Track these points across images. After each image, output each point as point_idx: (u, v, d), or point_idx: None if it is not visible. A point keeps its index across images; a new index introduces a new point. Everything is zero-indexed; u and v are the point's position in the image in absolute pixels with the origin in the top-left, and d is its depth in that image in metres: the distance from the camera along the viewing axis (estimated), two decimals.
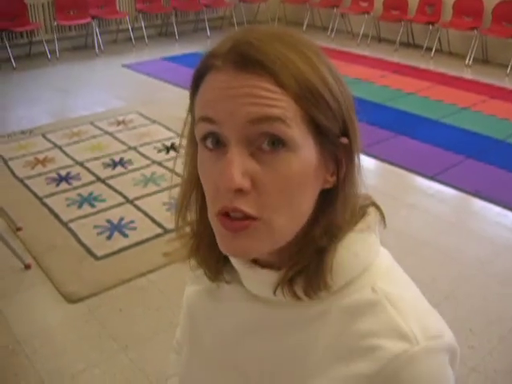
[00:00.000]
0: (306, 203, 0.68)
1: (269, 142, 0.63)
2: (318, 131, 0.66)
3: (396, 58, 7.88)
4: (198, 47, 7.33)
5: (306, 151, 0.65)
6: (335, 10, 8.98)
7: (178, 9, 8.80)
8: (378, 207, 0.76)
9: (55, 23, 7.70)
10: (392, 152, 4.80)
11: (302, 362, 0.70)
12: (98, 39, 8.01)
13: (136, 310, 2.88)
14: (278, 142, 0.63)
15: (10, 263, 3.18)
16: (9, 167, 4.49)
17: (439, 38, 7.94)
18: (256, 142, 0.64)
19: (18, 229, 3.55)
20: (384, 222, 0.76)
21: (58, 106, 6.21)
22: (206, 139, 0.66)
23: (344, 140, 0.69)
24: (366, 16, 8.55)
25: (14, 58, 7.31)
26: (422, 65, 7.49)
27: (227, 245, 0.67)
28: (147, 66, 7.34)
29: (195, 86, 0.69)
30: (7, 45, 7.26)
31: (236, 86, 0.63)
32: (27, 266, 3.17)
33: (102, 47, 8.07)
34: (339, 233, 0.70)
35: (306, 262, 0.69)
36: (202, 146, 0.68)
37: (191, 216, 0.78)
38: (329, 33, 9.06)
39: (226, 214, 0.65)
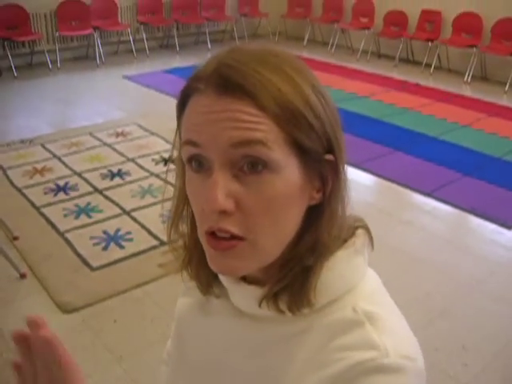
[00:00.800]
0: (292, 222, 0.69)
1: (251, 165, 0.65)
2: (302, 151, 0.67)
3: (395, 73, 7.93)
4: (199, 60, 7.13)
5: (289, 171, 0.66)
6: (336, 25, 9.05)
7: (179, 21, 8.86)
8: (367, 230, 0.77)
9: (57, 33, 7.74)
10: (388, 168, 4.82)
11: (282, 376, 0.71)
12: (99, 50, 8.06)
13: (131, 321, 2.88)
14: (260, 165, 0.65)
15: (5, 272, 3.19)
16: (7, 176, 4.51)
17: (438, 55, 8.00)
18: (239, 164, 0.65)
19: (15, 238, 3.55)
20: (372, 245, 0.77)
21: (58, 116, 6.24)
22: (192, 161, 0.68)
23: (329, 157, 0.70)
24: (367, 32, 8.61)
25: (15, 68, 7.35)
26: (422, 81, 7.53)
27: (215, 264, 0.69)
28: (148, 77, 7.38)
29: (181, 108, 0.71)
30: (9, 54, 7.30)
31: (218, 110, 0.65)
32: (23, 275, 3.18)
33: (103, 58, 8.12)
34: (325, 251, 0.71)
35: (291, 279, 0.70)
36: (188, 167, 0.70)
37: (183, 228, 0.79)
38: (329, 48, 9.12)
39: (212, 234, 0.67)
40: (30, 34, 7.50)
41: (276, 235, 0.68)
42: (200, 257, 0.76)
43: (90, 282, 3.17)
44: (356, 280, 0.73)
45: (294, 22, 9.80)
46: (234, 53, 0.68)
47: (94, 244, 3.56)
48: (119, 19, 8.34)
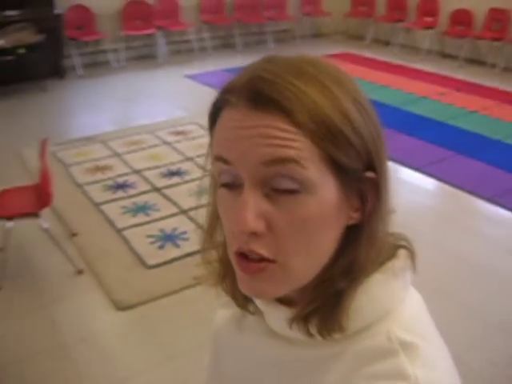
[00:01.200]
0: (326, 244, 0.66)
1: (283, 184, 0.62)
2: (339, 169, 0.63)
3: (460, 74, 7.72)
4: None
5: (324, 191, 0.63)
6: (399, 24, 8.89)
7: (241, 20, 8.89)
8: (410, 250, 0.72)
9: (121, 33, 7.89)
10: (450, 172, 4.69)
11: None
12: (161, 49, 8.17)
13: (183, 321, 2.90)
14: (293, 184, 0.61)
15: (63, 268, 3.27)
16: (69, 173, 4.61)
17: (506, 55, 7.75)
18: (270, 183, 0.62)
19: (74, 234, 3.63)
20: (414, 267, 0.72)
21: (119, 114, 6.35)
22: (222, 178, 0.66)
23: (369, 174, 0.66)
24: (431, 31, 8.42)
25: (80, 66, 7.52)
26: (488, 82, 7.30)
27: (245, 286, 0.67)
28: (209, 76, 7.42)
29: (212, 120, 0.68)
30: (74, 53, 7.49)
31: (249, 125, 0.62)
32: (80, 272, 3.25)
33: (165, 57, 8.22)
34: (361, 274, 0.67)
35: (323, 302, 0.67)
36: (219, 184, 0.67)
37: (218, 240, 0.77)
38: (392, 47, 8.97)
39: (242, 255, 0.65)
40: (95, 33, 7.68)
41: (309, 258, 0.65)
42: (235, 273, 0.73)
43: (144, 280, 3.21)
44: (392, 306, 0.68)
45: (357, 20, 9.68)
46: (268, 63, 0.65)
47: (151, 242, 3.61)
48: (182, 19, 8.43)
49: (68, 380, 2.52)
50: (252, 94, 0.62)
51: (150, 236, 3.68)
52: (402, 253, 0.71)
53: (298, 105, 0.61)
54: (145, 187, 4.39)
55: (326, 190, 0.63)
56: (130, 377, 2.52)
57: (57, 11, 7.22)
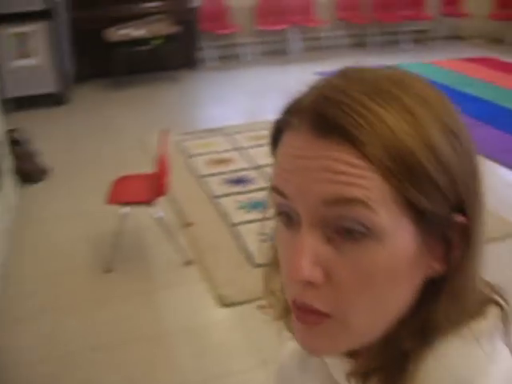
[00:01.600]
0: (396, 300, 0.54)
1: (347, 228, 0.51)
2: (418, 213, 0.51)
3: None
4: (396, 60, 7.12)
5: (397, 239, 0.51)
6: None
7: (377, 19, 8.65)
8: (503, 307, 0.57)
9: (254, 27, 7.93)
10: None
11: None
12: (294, 45, 8.13)
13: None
14: (359, 229, 0.50)
15: (172, 257, 3.29)
16: (190, 164, 4.67)
17: None
18: (332, 225, 0.51)
19: (189, 224, 3.65)
20: (508, 330, 0.57)
21: (247, 108, 6.38)
22: (279, 210, 0.56)
23: (459, 218, 0.53)
24: None
25: (211, 59, 7.66)
26: None
27: (300, 338, 0.57)
28: None
29: (274, 141, 0.57)
30: (207, 46, 7.63)
31: (310, 156, 0.51)
32: (188, 263, 3.25)
33: (297, 53, 8.18)
34: (434, 336, 0.54)
35: (386, 362, 0.55)
36: (277, 216, 0.57)
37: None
38: None
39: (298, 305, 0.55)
40: (228, 27, 7.78)
41: (373, 315, 0.54)
42: None
43: (251, 279, 3.15)
44: (470, 378, 0.53)
45: (500, 23, 9.12)
46: (339, 79, 0.54)
47: (262, 240, 3.55)
48: (316, 15, 8.34)
49: (158, 369, 2.52)
50: (316, 118, 0.51)
51: (262, 234, 3.61)
52: (491, 311, 0.57)
53: (369, 134, 0.49)
54: (263, 184, 4.35)
55: (399, 237, 0.51)
56: (222, 375, 2.48)
57: (193, 4, 7.40)
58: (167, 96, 6.63)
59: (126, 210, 3.17)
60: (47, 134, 5.30)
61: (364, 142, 0.49)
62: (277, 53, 8.31)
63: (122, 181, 3.38)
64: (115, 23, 6.77)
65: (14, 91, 5.96)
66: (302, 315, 0.54)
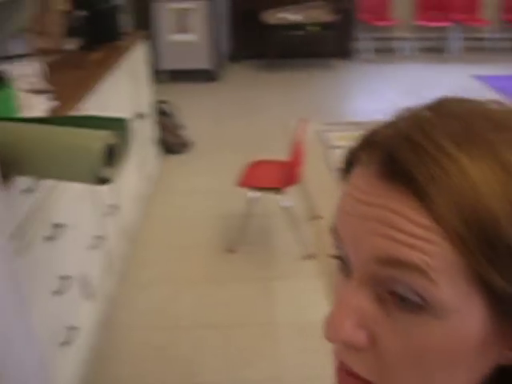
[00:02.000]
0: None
1: (401, 295, 0.42)
2: (492, 293, 0.41)
3: None
4: None
5: (461, 319, 0.41)
6: None
7: None
8: None
9: (414, 22, 7.67)
10: None
11: None
12: (454, 44, 7.77)
13: None
14: (414, 300, 0.41)
15: (295, 248, 3.26)
16: (327, 155, 4.61)
17: None
18: (385, 285, 0.43)
19: (317, 217, 3.60)
20: None
21: (396, 104, 6.17)
22: (336, 249, 0.48)
23: None
24: None
25: (367, 50, 7.51)
26: None
27: None
28: (499, 80, 6.86)
29: (344, 173, 0.49)
30: (364, 37, 7.49)
31: (370, 202, 0.42)
32: (310, 256, 3.21)
33: (456, 53, 7.81)
34: None
35: None
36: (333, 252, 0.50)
37: None
38: None
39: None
40: (387, 19, 7.58)
41: None
42: None
43: None
44: None
45: None
46: (431, 114, 0.44)
47: None
48: (481, 15, 7.90)
49: (260, 359, 2.51)
50: (385, 158, 0.42)
51: None
52: None
53: (443, 188, 0.39)
54: None
55: (464, 318, 0.41)
56: (323, 377, 2.41)
57: None
58: (317, 83, 6.60)
59: (256, 194, 3.18)
60: (194, 109, 5.46)
61: (433, 198, 0.39)
62: (435, 50, 7.98)
63: (256, 165, 3.39)
64: (273, 6, 6.82)
65: (169, 64, 6.20)
66: (341, 374, 0.47)
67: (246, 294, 2.94)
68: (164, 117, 4.60)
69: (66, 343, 2.19)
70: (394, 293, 0.42)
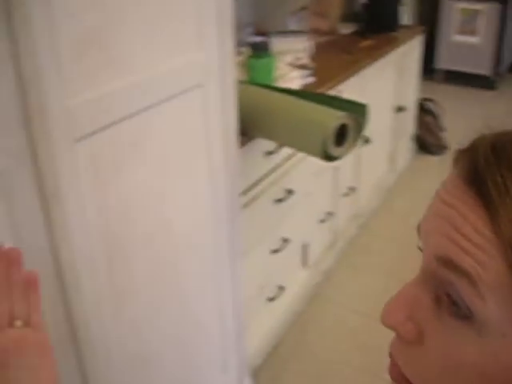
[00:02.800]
0: None
1: (453, 300, 0.42)
2: None
3: None
4: None
5: (505, 346, 0.40)
6: None
7: None
8: None
9: None
10: None
11: None
12: None
13: None
14: (463, 308, 0.41)
15: None
16: None
17: None
18: (443, 286, 0.44)
19: None
20: None
21: None
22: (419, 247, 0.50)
23: None
24: None
25: None
26: None
27: None
28: None
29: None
30: None
31: (446, 200, 0.44)
32: None
33: None
34: None
35: None
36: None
37: None
38: None
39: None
40: None
41: None
42: None
43: None
44: None
45: None
46: None
47: None
48: None
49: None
50: (471, 166, 0.43)
51: None
52: None
53: (507, 203, 0.40)
54: None
55: (509, 345, 0.40)
56: None
57: None
58: None
59: None
60: (461, 114, 5.30)
61: (500, 212, 0.40)
62: None
63: None
64: None
65: (446, 64, 6.08)
66: (390, 364, 0.50)
67: None
68: (426, 115, 4.56)
69: (272, 299, 2.37)
70: (450, 295, 0.43)
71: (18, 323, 0.74)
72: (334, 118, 1.66)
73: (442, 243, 0.43)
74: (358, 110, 1.76)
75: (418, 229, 0.50)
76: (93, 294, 1.24)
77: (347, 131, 1.72)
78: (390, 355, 0.50)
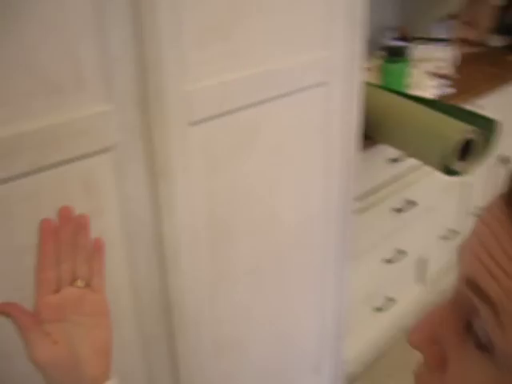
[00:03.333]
0: None
1: (476, 325, 0.39)
2: None
3: None
4: None
5: None
6: None
7: None
8: None
9: None
10: None
11: None
12: None
13: None
14: (483, 337, 0.38)
15: None
16: None
17: None
18: (472, 310, 0.40)
19: None
20: None
21: None
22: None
23: None
24: None
25: None
26: None
27: None
28: None
29: None
30: None
31: (484, 218, 0.39)
32: None
33: None
34: None
35: None
36: None
37: None
38: None
39: None
40: None
41: None
42: None
43: None
44: None
45: None
46: None
47: None
48: None
49: None
50: (508, 189, 0.39)
51: None
52: None
53: None
54: None
55: None
56: None
57: None
58: None
59: None
60: None
61: None
62: None
63: None
64: None
65: None
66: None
67: None
68: None
69: (379, 309, 2.33)
70: (472, 323, 0.40)
71: (79, 283, 0.80)
72: (459, 131, 1.60)
73: (471, 264, 0.40)
74: (485, 125, 1.68)
75: (458, 249, 0.46)
76: (191, 271, 1.27)
77: (472, 146, 1.65)
78: (415, 380, 0.47)
